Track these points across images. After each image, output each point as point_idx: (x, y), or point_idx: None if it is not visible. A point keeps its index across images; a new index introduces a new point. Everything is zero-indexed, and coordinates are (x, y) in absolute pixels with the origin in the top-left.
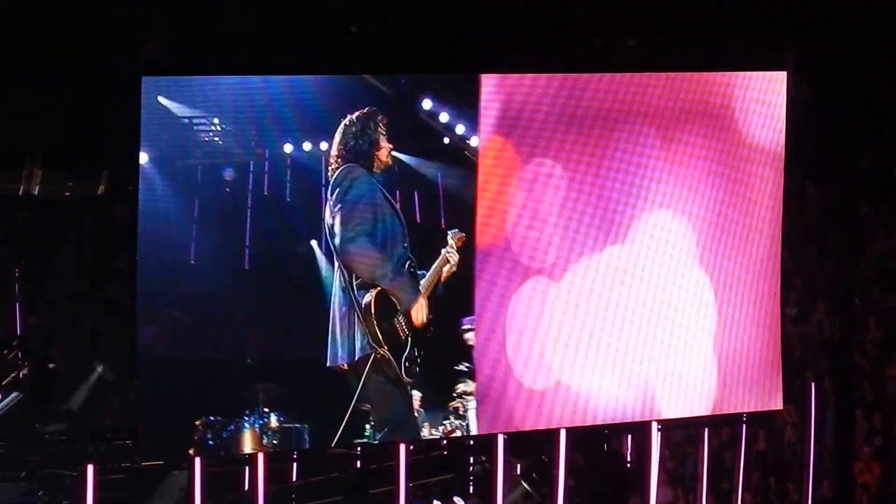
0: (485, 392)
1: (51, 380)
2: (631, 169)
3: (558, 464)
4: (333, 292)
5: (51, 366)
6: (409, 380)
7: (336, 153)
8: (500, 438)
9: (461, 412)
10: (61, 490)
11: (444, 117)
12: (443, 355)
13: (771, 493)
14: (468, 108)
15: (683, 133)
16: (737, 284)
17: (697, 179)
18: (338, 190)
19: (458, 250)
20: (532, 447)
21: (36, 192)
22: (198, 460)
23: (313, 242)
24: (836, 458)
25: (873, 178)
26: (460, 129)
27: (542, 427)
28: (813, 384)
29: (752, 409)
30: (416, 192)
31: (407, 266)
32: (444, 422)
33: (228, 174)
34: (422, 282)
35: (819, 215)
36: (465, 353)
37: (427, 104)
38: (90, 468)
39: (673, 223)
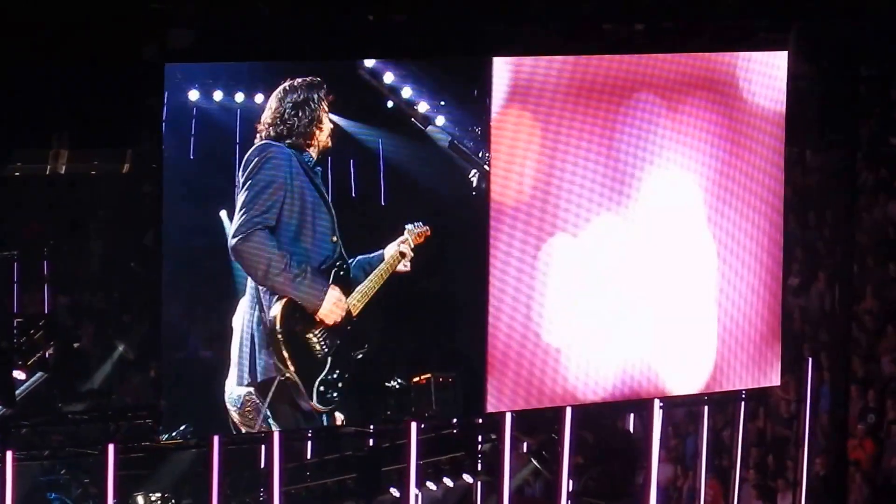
0: (494, 364)
1: (75, 359)
2: (642, 136)
3: (563, 441)
4: (245, 292)
5: (76, 345)
6: (323, 409)
7: (270, 121)
8: (508, 416)
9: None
10: (83, 468)
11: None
12: (373, 375)
13: (768, 470)
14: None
15: (688, 104)
16: (740, 252)
17: (702, 148)
18: (247, 169)
19: (417, 248)
20: (542, 425)
21: (62, 172)
22: (216, 438)
23: (222, 213)
24: (831, 436)
25: (872, 146)
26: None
27: (547, 404)
28: (810, 359)
29: (749, 386)
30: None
31: (334, 271)
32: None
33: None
34: (362, 284)
35: (819, 182)
36: (402, 365)
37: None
38: (111, 447)
39: (679, 189)
